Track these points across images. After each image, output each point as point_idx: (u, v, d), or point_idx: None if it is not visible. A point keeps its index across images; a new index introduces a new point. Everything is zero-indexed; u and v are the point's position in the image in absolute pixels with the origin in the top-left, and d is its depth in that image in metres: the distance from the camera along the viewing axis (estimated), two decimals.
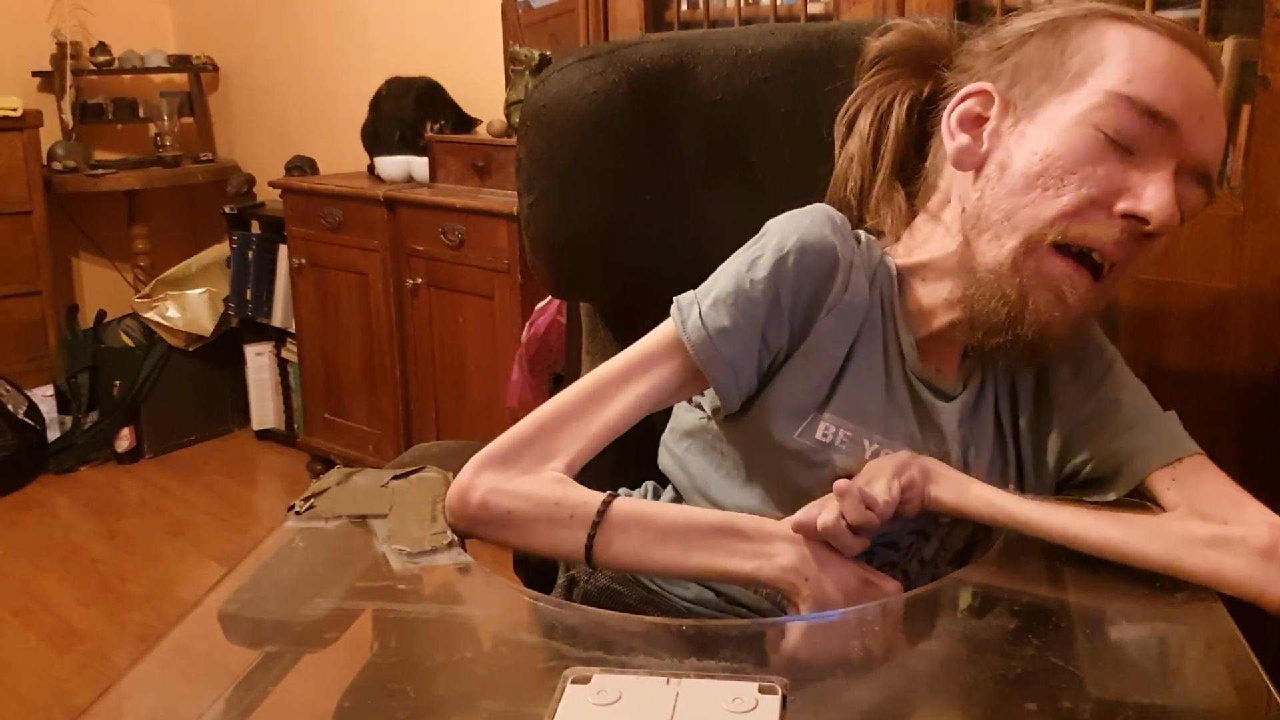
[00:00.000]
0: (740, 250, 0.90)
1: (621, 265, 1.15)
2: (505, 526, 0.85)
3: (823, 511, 0.81)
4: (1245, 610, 0.76)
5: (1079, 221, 0.83)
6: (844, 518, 0.80)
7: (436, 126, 2.85)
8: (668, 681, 0.65)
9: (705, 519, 0.85)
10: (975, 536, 0.91)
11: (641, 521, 0.84)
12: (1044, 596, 0.79)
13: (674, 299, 0.90)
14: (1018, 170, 0.85)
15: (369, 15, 3.30)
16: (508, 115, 2.64)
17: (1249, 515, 0.80)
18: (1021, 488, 0.92)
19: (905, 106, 0.97)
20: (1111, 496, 0.87)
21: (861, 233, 0.94)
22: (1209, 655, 0.72)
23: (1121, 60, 0.83)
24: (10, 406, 3.19)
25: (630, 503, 0.85)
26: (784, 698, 0.63)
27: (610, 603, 0.94)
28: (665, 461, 0.99)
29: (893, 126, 0.97)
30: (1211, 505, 0.82)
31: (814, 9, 2.01)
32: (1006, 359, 0.89)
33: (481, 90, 2.97)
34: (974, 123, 0.90)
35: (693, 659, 0.68)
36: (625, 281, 1.16)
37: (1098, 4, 0.89)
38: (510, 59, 2.71)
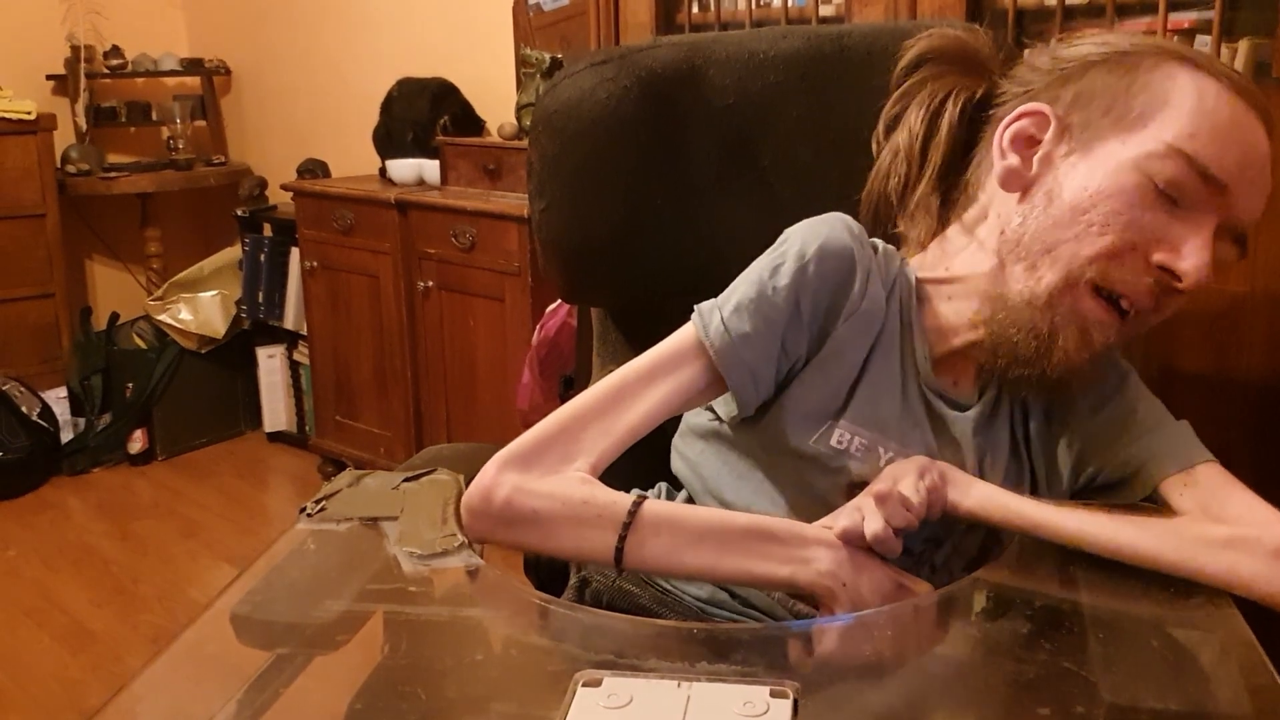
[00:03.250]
0: (761, 257, 0.90)
1: (634, 270, 1.15)
2: (531, 527, 0.83)
3: (868, 519, 0.81)
4: (1259, 614, 0.75)
5: (1117, 264, 0.83)
6: (889, 523, 0.80)
7: (443, 121, 2.85)
8: (679, 684, 0.65)
9: (737, 521, 0.84)
10: (988, 544, 0.90)
11: (673, 524, 0.83)
12: (1057, 600, 0.79)
13: (695, 306, 0.90)
14: (1065, 203, 0.85)
15: (380, 19, 3.31)
16: (518, 118, 2.64)
17: (1262, 517, 0.80)
18: (1037, 496, 0.91)
19: (959, 106, 0.95)
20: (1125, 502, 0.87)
21: (879, 241, 0.94)
22: (1223, 660, 0.71)
23: (1187, 112, 0.83)
24: (24, 408, 3.21)
25: (660, 504, 0.84)
26: (795, 702, 0.63)
27: (623, 602, 0.94)
28: (677, 464, 0.99)
29: (945, 125, 0.95)
30: (1224, 509, 0.82)
31: (825, 11, 2.02)
32: (1025, 389, 0.89)
33: (492, 93, 2.98)
34: (1026, 143, 0.90)
35: (704, 662, 0.68)
36: (637, 286, 1.16)
37: (1168, 43, 0.88)
38: (521, 62, 2.71)
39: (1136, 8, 1.64)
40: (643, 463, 1.01)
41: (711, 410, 0.95)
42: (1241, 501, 0.83)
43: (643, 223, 1.13)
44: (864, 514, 0.82)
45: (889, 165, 0.98)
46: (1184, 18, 1.60)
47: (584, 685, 0.65)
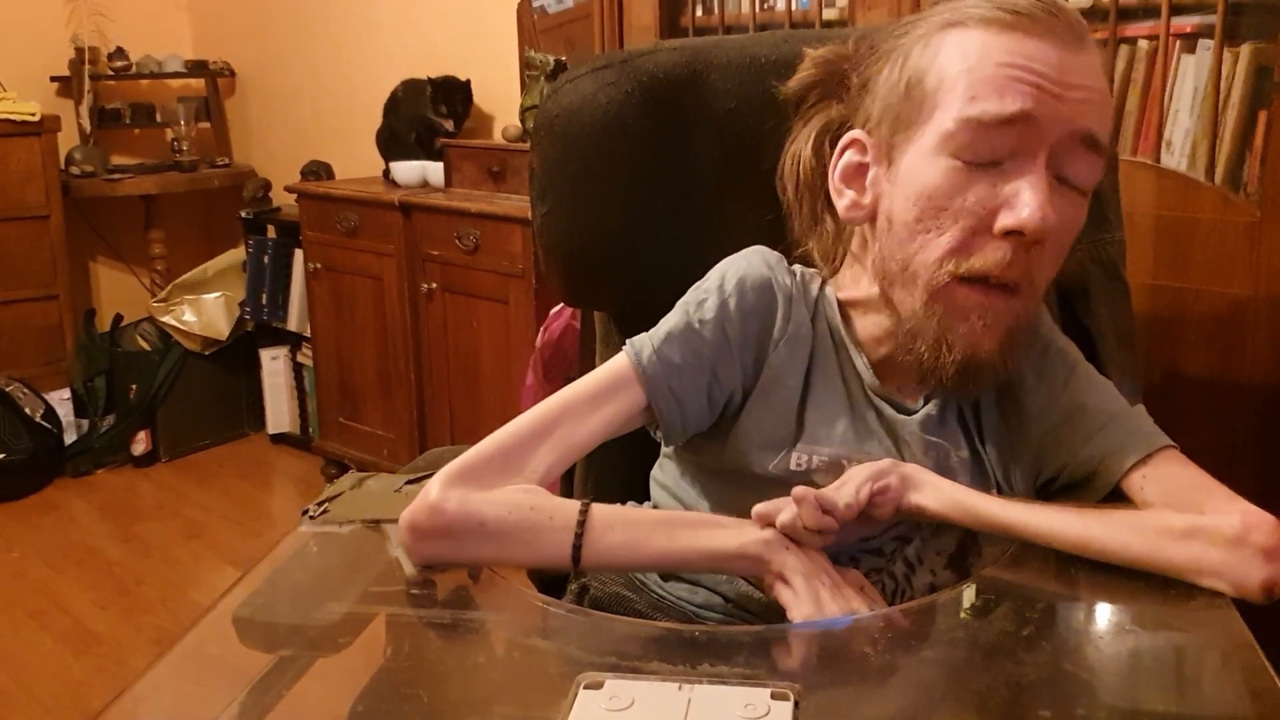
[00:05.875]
0: (686, 294, 0.93)
1: (635, 275, 1.15)
2: (481, 538, 0.83)
3: (783, 511, 0.83)
4: (1260, 616, 0.75)
5: (966, 254, 0.83)
6: (801, 520, 0.82)
7: (445, 112, 2.88)
8: (680, 687, 0.65)
9: (684, 514, 0.91)
10: (965, 541, 0.91)
11: (625, 519, 0.86)
12: (1058, 602, 0.79)
13: (627, 340, 0.92)
14: (900, 219, 0.86)
15: (385, 21, 3.32)
16: (523, 120, 2.65)
17: (1220, 504, 0.80)
18: (1004, 496, 0.91)
19: (811, 145, 0.98)
20: (1090, 501, 0.87)
21: (798, 268, 0.96)
22: (1224, 662, 0.72)
23: (960, 79, 0.82)
24: (28, 410, 3.21)
25: (608, 506, 0.87)
26: (796, 704, 0.63)
27: (620, 608, 0.94)
28: (657, 494, 1.01)
29: (802, 169, 0.98)
30: (1184, 497, 0.82)
31: (829, 14, 2.02)
32: (964, 391, 0.89)
33: (497, 95, 2.98)
34: (858, 173, 0.91)
35: (705, 665, 0.69)
36: (639, 290, 1.16)
37: (934, 12, 0.87)
38: (525, 64, 2.72)
39: (1139, 12, 1.65)
40: (644, 471, 1.02)
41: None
42: (1200, 487, 0.83)
43: (644, 227, 1.13)
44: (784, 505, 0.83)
45: (787, 217, 1.01)
46: (1186, 22, 1.60)
47: (586, 688, 0.65)
